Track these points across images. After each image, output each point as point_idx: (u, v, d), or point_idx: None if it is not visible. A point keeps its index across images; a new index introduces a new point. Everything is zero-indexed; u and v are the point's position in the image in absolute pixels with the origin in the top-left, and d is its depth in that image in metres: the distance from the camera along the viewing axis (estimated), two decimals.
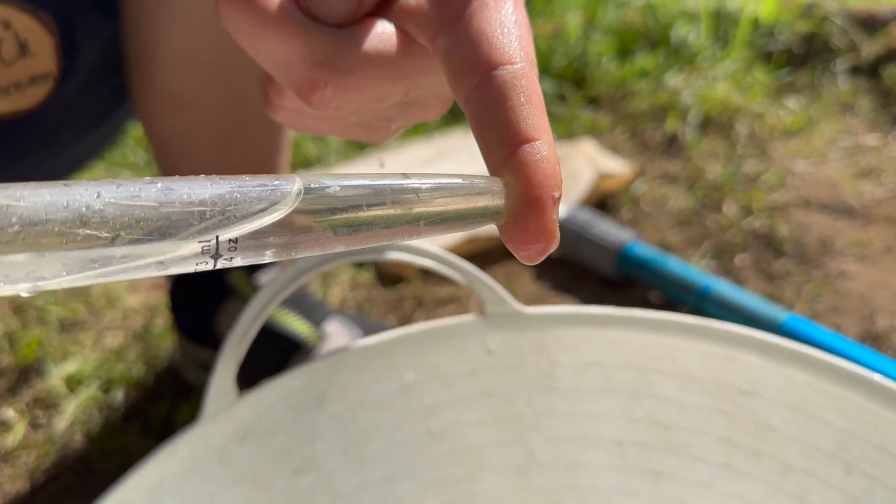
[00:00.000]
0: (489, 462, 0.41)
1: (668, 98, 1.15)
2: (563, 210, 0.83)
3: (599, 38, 1.33)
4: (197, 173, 0.54)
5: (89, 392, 0.73)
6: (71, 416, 0.71)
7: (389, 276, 0.85)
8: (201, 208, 0.17)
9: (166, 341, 0.79)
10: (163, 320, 0.82)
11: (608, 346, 0.40)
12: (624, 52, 1.32)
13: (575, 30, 1.35)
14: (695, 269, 0.75)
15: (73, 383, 0.75)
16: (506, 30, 0.23)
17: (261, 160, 0.63)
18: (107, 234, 0.16)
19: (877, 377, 0.35)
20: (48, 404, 0.74)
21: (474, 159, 0.97)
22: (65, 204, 0.15)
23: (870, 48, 1.21)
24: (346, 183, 0.19)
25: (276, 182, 0.18)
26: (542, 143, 0.21)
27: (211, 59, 0.57)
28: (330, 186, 0.19)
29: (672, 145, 1.07)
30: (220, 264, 0.18)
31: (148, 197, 0.16)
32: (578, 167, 0.92)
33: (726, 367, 0.40)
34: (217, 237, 0.17)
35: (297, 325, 0.64)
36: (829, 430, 0.36)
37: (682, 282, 0.74)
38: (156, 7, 0.54)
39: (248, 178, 0.18)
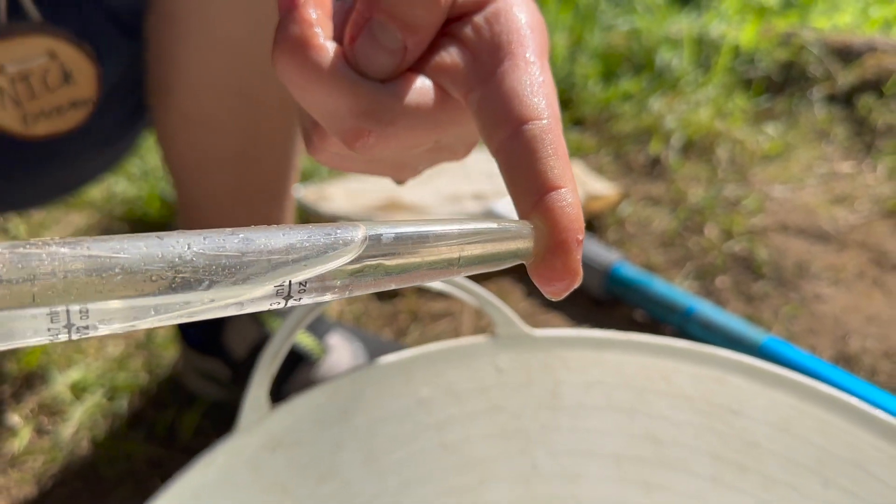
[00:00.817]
0: (496, 473, 0.44)
1: (651, 121, 1.19)
2: None
3: (585, 61, 1.37)
4: (213, 192, 0.58)
5: (94, 399, 0.75)
6: (77, 423, 0.73)
7: (386, 290, 0.88)
8: (276, 256, 0.19)
9: (168, 351, 0.81)
10: (164, 330, 0.84)
11: (609, 367, 0.43)
12: (609, 75, 1.36)
13: (561, 51, 1.39)
14: (679, 291, 0.78)
15: (78, 391, 0.77)
16: (534, 89, 0.26)
17: (275, 181, 0.66)
18: (196, 281, 0.18)
19: (854, 401, 0.39)
20: (53, 411, 0.76)
21: (467, 178, 1.01)
22: (160, 255, 0.17)
23: (844, 78, 1.26)
24: (399, 230, 0.21)
25: (339, 231, 0.21)
26: (568, 191, 0.24)
27: (232, 86, 0.59)
28: (384, 234, 0.21)
29: (655, 167, 1.11)
30: (290, 304, 0.20)
31: (231, 247, 0.18)
32: None
33: (716, 389, 0.43)
34: (290, 281, 0.20)
35: (302, 338, 0.66)
36: (809, 448, 0.40)
37: (668, 302, 0.77)
38: (181, 33, 0.57)
39: (315, 227, 0.21)
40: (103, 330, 0.18)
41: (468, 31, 0.28)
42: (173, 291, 0.18)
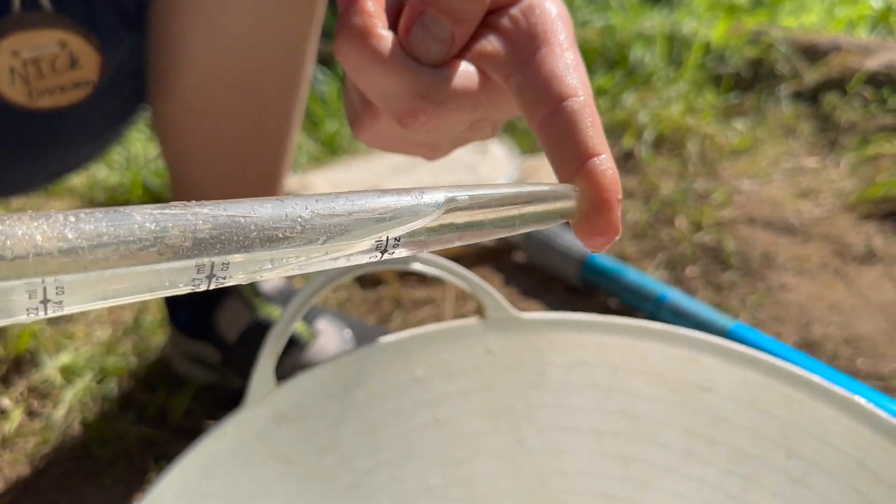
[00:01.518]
0: (485, 447, 0.47)
1: (625, 116, 1.22)
2: None
3: None
4: (210, 181, 0.60)
5: (84, 382, 0.77)
6: (68, 405, 0.75)
7: (368, 278, 0.91)
8: (377, 215, 0.22)
9: (157, 335, 0.83)
10: (151, 315, 0.86)
11: (591, 348, 0.47)
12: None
13: None
14: (651, 280, 0.82)
15: (68, 374, 0.79)
16: (570, 70, 0.29)
17: (270, 171, 0.68)
18: (316, 237, 0.21)
19: (816, 378, 0.42)
20: (43, 394, 0.77)
21: (450, 170, 1.03)
22: (284, 215, 0.20)
23: (811, 76, 1.30)
24: (470, 193, 0.24)
25: (425, 194, 0.23)
26: (606, 158, 0.27)
27: (234, 77, 0.62)
28: (458, 196, 0.24)
29: (629, 161, 1.14)
30: (385, 257, 0.23)
31: (340, 208, 0.21)
32: (544, 181, 0.99)
33: (688, 368, 0.46)
34: (387, 236, 0.23)
35: None
36: (775, 422, 0.43)
37: (640, 290, 0.81)
38: (185, 24, 0.59)
39: (403, 190, 0.23)
40: (230, 281, 0.20)
41: (506, 21, 0.31)
42: (296, 246, 0.21)
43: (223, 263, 0.19)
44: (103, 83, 0.57)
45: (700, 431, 0.46)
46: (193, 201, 0.19)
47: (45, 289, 0.17)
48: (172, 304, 0.75)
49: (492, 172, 1.05)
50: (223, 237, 0.19)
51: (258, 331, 0.69)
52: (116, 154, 1.22)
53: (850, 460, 0.41)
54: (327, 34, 0.73)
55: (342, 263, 0.22)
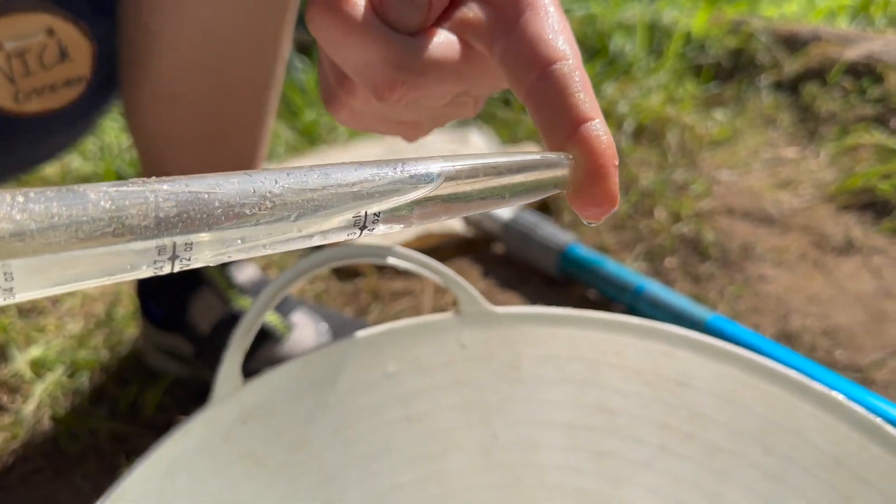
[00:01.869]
0: (459, 443, 0.47)
1: (605, 106, 1.21)
2: (509, 212, 0.89)
3: None
4: (181, 168, 0.59)
5: (55, 376, 0.76)
6: (38, 400, 0.74)
7: (345, 270, 0.90)
8: (353, 189, 0.21)
9: (129, 328, 0.82)
10: (124, 308, 0.85)
11: (565, 342, 0.46)
12: None
13: None
14: (629, 271, 0.81)
15: (39, 368, 0.77)
16: (557, 33, 0.28)
17: (243, 155, 0.67)
18: (287, 213, 0.19)
19: (793, 373, 0.42)
20: (13, 388, 0.76)
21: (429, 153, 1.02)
22: (252, 191, 0.19)
23: (791, 66, 1.30)
24: (458, 163, 0.23)
25: (406, 166, 0.22)
26: (599, 122, 0.26)
27: (204, 61, 0.60)
28: (444, 166, 0.22)
29: None
30: (364, 234, 0.22)
31: (313, 182, 0.20)
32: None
33: (665, 362, 0.46)
34: (366, 212, 0.21)
35: (266, 315, 0.68)
36: (752, 417, 0.43)
37: (618, 282, 0.80)
38: (154, 9, 0.58)
39: (384, 162, 0.22)
40: (196, 262, 0.19)
41: None
42: (266, 223, 0.19)
43: (186, 244, 0.18)
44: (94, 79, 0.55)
45: (676, 426, 0.46)
46: (154, 178, 0.18)
47: None
48: (144, 295, 0.74)
49: None
50: (185, 215, 0.18)
51: (232, 323, 0.68)
52: (90, 143, 1.20)
53: (826, 457, 0.40)
54: (303, 21, 0.72)
55: (318, 241, 0.21)
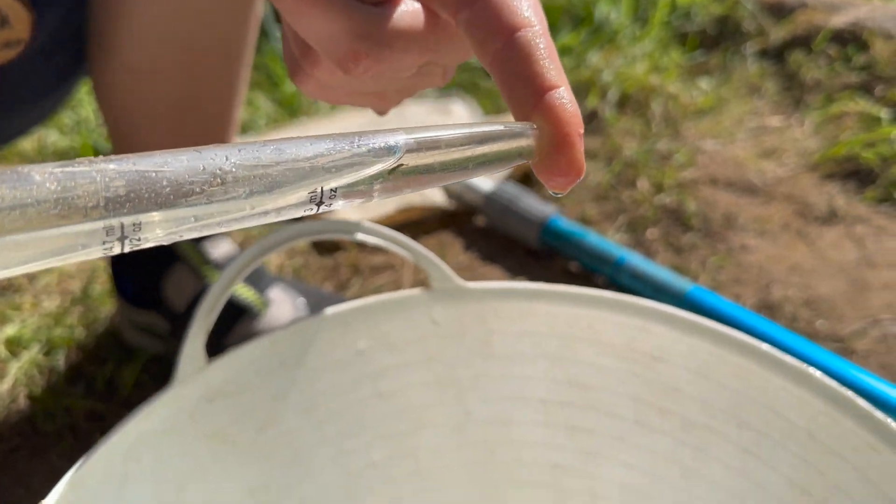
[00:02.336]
0: (431, 420, 0.46)
1: (589, 75, 1.20)
2: (491, 184, 0.88)
3: None
4: (153, 142, 0.58)
5: (30, 355, 0.75)
6: (13, 379, 0.73)
7: (325, 244, 0.89)
8: (308, 164, 0.20)
9: (106, 305, 0.81)
10: (101, 284, 0.84)
11: (539, 317, 0.45)
12: (549, 28, 1.37)
13: None
14: (611, 243, 0.81)
15: (14, 346, 0.76)
16: (521, 0, 0.27)
17: (215, 132, 0.66)
18: (240, 190, 0.19)
19: (766, 347, 0.41)
20: None
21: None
22: (201, 168, 0.18)
23: (777, 34, 1.28)
24: (418, 136, 0.22)
25: (363, 138, 0.21)
26: (565, 90, 0.25)
27: (173, 35, 0.59)
28: (403, 139, 0.22)
29: (592, 121, 1.12)
30: (322, 209, 0.21)
31: (266, 158, 0.19)
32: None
33: (639, 336, 0.45)
34: (322, 188, 0.21)
35: (243, 291, 0.67)
36: (726, 392, 0.43)
37: (600, 254, 0.80)
38: None
39: (341, 135, 0.21)
40: (147, 242, 0.19)
41: None
42: (217, 201, 0.19)
43: (134, 224, 0.18)
44: (38, 43, 0.54)
45: (651, 401, 0.45)
46: (101, 157, 0.17)
47: None
48: (118, 272, 0.73)
49: None
50: (132, 195, 0.18)
51: None
52: (66, 118, 1.18)
53: (799, 431, 0.40)
54: None
55: (272, 219, 0.20)
